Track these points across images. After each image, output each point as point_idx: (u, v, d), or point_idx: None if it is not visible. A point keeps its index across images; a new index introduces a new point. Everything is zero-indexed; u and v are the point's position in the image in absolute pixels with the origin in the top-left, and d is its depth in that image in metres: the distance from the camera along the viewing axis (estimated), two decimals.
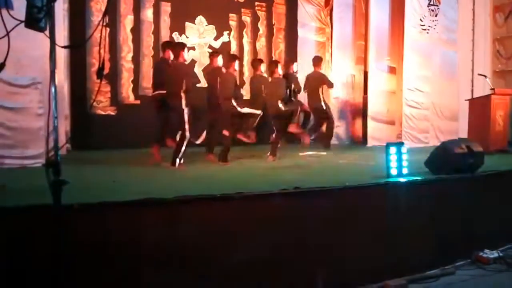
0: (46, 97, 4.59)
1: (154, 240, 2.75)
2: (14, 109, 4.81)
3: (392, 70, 9.07)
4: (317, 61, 7.87)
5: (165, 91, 5.61)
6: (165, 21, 8.46)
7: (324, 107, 7.58)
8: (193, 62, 8.56)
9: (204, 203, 3.01)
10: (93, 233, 2.61)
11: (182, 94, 5.37)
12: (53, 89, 2.15)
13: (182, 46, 5.75)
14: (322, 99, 7.53)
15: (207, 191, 3.24)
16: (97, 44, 7.29)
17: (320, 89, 7.53)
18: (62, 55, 6.16)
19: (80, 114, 7.28)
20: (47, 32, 2.23)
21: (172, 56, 5.83)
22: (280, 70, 6.54)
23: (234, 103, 6.13)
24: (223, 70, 6.46)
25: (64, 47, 5.96)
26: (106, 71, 7.32)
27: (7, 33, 2.07)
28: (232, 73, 6.34)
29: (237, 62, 6.48)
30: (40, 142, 4.89)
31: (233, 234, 3.01)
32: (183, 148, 5.34)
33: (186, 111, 5.38)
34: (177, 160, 5.32)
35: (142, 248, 2.73)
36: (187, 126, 5.35)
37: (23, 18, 2.19)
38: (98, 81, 7.41)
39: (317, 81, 7.56)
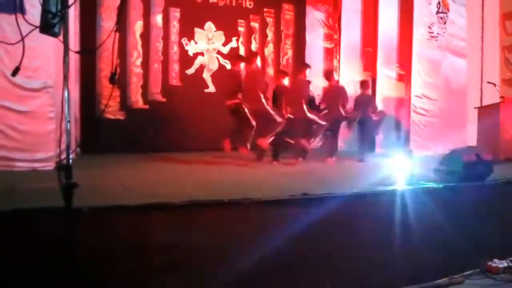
0: (57, 101, 4.69)
1: (162, 244, 2.76)
2: (25, 113, 4.87)
3: (400, 77, 9.04)
4: (366, 84, 7.91)
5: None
6: (174, 26, 8.52)
7: None
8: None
9: (212, 208, 3.01)
10: (102, 236, 2.62)
11: (261, 95, 5.99)
12: (66, 93, 2.18)
13: (255, 55, 6.53)
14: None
15: (215, 196, 3.25)
16: (107, 49, 7.36)
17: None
18: (72, 59, 6.24)
19: (89, 118, 7.34)
20: (60, 37, 2.27)
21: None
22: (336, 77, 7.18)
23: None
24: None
25: (78, 52, 6.07)
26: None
27: (22, 38, 2.11)
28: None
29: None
30: (50, 145, 4.95)
31: (241, 240, 3.02)
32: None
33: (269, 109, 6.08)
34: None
35: (150, 252, 2.74)
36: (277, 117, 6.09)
37: (35, 23, 2.23)
38: (108, 85, 7.51)
39: (366, 102, 7.71)
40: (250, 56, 6.59)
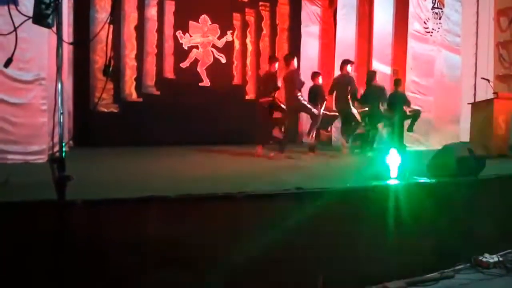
0: (50, 93, 4.66)
1: (156, 238, 2.76)
2: (18, 105, 4.83)
3: (395, 72, 9.07)
4: (399, 82, 8.20)
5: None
6: (169, 19, 8.48)
7: None
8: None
9: (207, 202, 3.01)
10: (96, 229, 2.62)
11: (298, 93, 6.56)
12: (59, 85, 2.16)
13: (292, 56, 6.93)
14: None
15: (210, 189, 3.26)
16: (101, 42, 7.33)
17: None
18: (65, 51, 6.17)
19: (82, 111, 7.31)
20: (54, 28, 2.25)
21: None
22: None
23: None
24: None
25: (71, 43, 6.01)
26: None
27: (15, 29, 2.09)
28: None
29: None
30: (43, 138, 4.92)
31: (235, 234, 3.02)
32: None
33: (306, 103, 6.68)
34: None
35: (145, 245, 2.74)
36: (315, 110, 6.71)
37: (27, 13, 2.20)
38: (102, 78, 7.48)
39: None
40: (287, 57, 6.90)
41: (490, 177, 4.49)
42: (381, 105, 7.63)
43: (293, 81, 6.54)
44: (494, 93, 7.34)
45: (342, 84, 7.28)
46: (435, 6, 8.87)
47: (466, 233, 4.10)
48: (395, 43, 8.98)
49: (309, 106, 6.73)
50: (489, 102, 7.14)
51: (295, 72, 6.71)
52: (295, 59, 6.79)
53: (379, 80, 8.10)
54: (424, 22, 8.68)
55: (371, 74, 7.91)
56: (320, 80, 7.74)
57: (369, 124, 7.54)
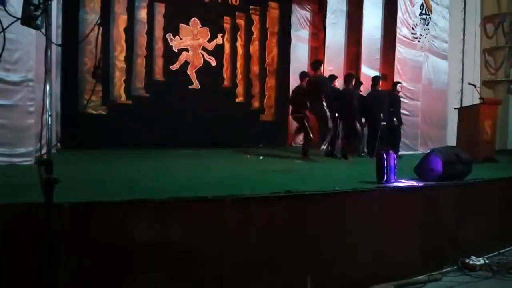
0: (38, 95, 4.60)
1: (145, 240, 2.74)
2: (4, 106, 4.75)
3: (383, 77, 9.16)
4: (377, 80, 8.17)
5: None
6: (159, 21, 8.44)
7: None
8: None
9: (195, 205, 3.01)
10: (84, 233, 2.59)
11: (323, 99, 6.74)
12: (47, 87, 2.14)
13: (320, 62, 7.25)
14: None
15: (199, 192, 3.25)
16: (90, 43, 7.28)
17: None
18: (54, 53, 6.09)
19: (71, 113, 7.22)
20: (42, 30, 2.23)
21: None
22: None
23: None
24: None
25: (60, 45, 5.95)
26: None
27: (3, 30, 2.06)
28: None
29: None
30: (30, 140, 4.85)
31: (224, 236, 3.02)
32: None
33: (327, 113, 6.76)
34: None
35: (133, 248, 2.72)
36: (330, 122, 6.85)
37: (16, 14, 2.18)
38: (90, 80, 7.43)
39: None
40: (315, 63, 7.11)
41: (476, 181, 4.55)
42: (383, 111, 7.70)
43: (318, 86, 6.70)
44: (480, 98, 7.46)
45: (349, 97, 7.43)
46: (423, 12, 8.99)
47: (453, 236, 4.15)
48: (384, 48, 9.07)
49: (327, 116, 6.81)
50: (475, 107, 7.25)
51: (322, 78, 6.94)
52: (322, 65, 7.12)
53: (368, 84, 8.18)
54: (412, 28, 8.78)
55: (376, 79, 7.97)
56: (337, 83, 7.74)
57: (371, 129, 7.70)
